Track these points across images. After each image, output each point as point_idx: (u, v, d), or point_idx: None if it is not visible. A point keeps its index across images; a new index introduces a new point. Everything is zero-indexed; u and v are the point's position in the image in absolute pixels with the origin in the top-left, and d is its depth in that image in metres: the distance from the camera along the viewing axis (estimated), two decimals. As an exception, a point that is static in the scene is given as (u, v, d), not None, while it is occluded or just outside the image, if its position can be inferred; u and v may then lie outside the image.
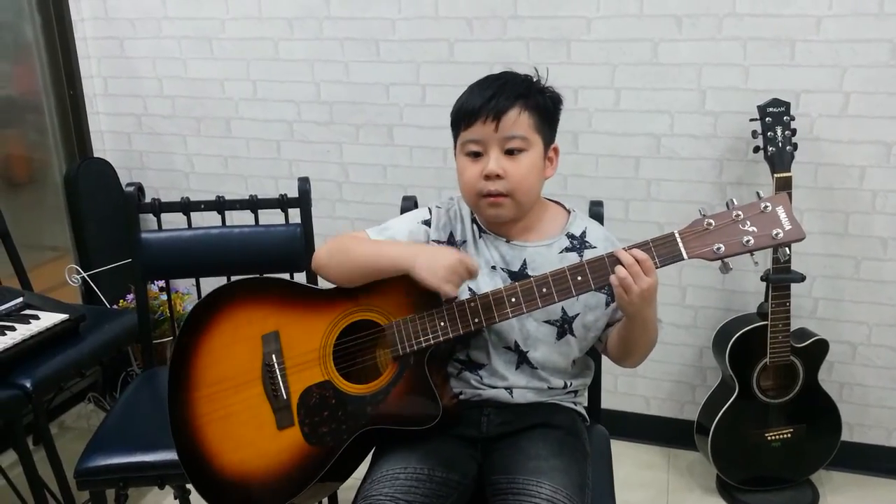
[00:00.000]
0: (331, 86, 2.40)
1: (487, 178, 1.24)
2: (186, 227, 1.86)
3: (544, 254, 1.30)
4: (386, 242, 1.32)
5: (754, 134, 1.94)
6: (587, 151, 2.21)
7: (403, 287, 1.24)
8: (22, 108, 2.58)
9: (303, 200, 1.86)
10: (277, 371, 1.29)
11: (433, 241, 1.33)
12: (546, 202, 1.37)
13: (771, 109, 1.91)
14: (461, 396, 1.33)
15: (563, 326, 1.30)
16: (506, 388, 1.31)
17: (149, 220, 1.91)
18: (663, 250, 1.15)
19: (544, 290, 1.19)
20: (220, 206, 1.87)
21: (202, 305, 1.35)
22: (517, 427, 1.31)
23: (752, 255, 1.17)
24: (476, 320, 1.21)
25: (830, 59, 1.96)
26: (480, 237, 1.33)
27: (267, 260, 1.81)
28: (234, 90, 2.51)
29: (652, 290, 1.15)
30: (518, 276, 1.29)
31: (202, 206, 1.86)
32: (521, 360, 1.30)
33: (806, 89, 2.00)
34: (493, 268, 1.30)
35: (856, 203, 2.05)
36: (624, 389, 2.41)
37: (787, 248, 1.22)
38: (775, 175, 1.91)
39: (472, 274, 1.21)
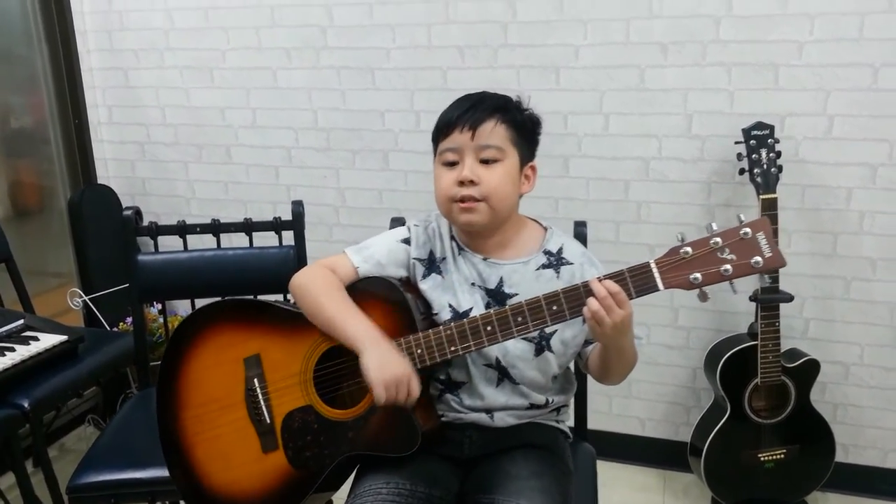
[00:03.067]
0: (328, 113, 2.46)
1: (462, 183, 1.25)
2: (182, 249, 1.91)
3: (521, 271, 1.31)
4: (352, 313, 1.25)
5: (739, 156, 1.98)
6: (577, 175, 2.25)
7: (381, 313, 1.26)
8: (31, 138, 2.66)
9: (296, 223, 1.90)
10: (260, 396, 1.31)
11: (414, 258, 1.34)
12: (523, 219, 1.37)
13: (755, 132, 1.95)
14: (443, 419, 1.34)
15: (541, 343, 1.30)
16: (486, 412, 1.31)
17: (149, 244, 1.95)
18: (639, 281, 1.13)
19: (519, 318, 1.18)
20: (216, 228, 1.91)
21: (185, 325, 1.37)
22: (499, 448, 1.32)
23: (731, 283, 1.13)
24: (453, 349, 1.21)
25: (814, 83, 2.00)
26: (459, 254, 1.34)
27: (260, 281, 1.85)
28: (234, 118, 2.58)
29: (626, 321, 1.13)
30: (495, 293, 1.30)
31: (198, 229, 1.90)
32: (502, 376, 1.31)
33: (791, 112, 2.04)
34: (472, 284, 1.32)
35: (843, 224, 2.07)
36: (618, 411, 2.42)
37: (766, 276, 1.19)
38: (761, 196, 1.94)
39: (411, 399, 1.19)
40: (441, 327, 1.23)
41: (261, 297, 1.48)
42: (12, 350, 1.90)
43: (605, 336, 1.16)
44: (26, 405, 1.83)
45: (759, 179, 1.94)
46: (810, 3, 1.96)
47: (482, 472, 1.29)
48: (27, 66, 2.60)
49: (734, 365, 2.02)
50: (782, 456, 2.07)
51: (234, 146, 2.61)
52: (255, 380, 1.32)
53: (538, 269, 1.31)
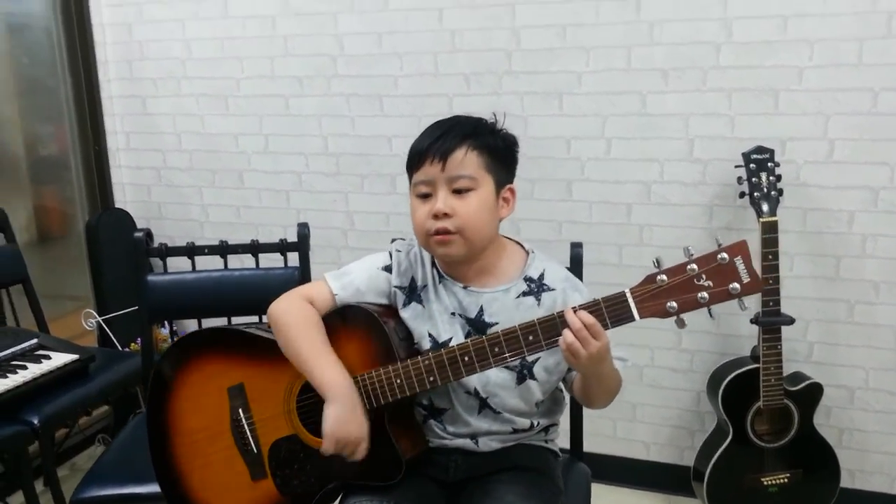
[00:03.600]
0: (337, 139, 2.52)
1: (436, 216, 1.23)
2: (191, 270, 1.96)
3: (501, 299, 1.29)
4: (324, 358, 1.24)
5: (740, 180, 2.00)
6: (580, 198, 2.28)
7: (358, 343, 1.26)
8: (55, 164, 2.76)
9: (301, 244, 1.94)
10: (245, 426, 1.33)
11: (395, 287, 1.33)
12: (505, 242, 1.35)
13: (755, 156, 1.97)
14: (430, 444, 1.34)
15: (523, 372, 1.29)
16: (470, 437, 1.32)
17: (161, 265, 2.01)
18: (614, 311, 1.12)
19: (496, 349, 1.18)
20: (223, 250, 1.96)
21: (170, 353, 1.39)
22: (486, 471, 1.32)
23: (709, 309, 1.11)
24: (431, 379, 1.21)
25: (814, 107, 2.02)
26: (440, 282, 1.32)
27: (265, 301, 1.85)
28: (247, 144, 2.65)
29: (602, 351, 1.13)
30: (475, 322, 1.29)
31: (206, 251, 1.96)
32: (483, 405, 1.30)
33: (791, 137, 2.05)
34: (453, 314, 1.30)
35: (846, 247, 2.08)
36: (623, 434, 2.41)
37: (745, 301, 1.13)
38: (761, 219, 1.95)
39: (352, 458, 1.22)
40: (420, 357, 1.22)
41: (244, 323, 1.48)
42: (25, 368, 1.96)
43: (581, 367, 1.16)
44: (36, 422, 1.87)
45: (759, 203, 1.96)
46: (809, 29, 1.98)
47: (469, 495, 1.29)
48: (52, 95, 2.70)
49: (736, 388, 2.02)
50: (786, 480, 2.05)
51: (246, 171, 2.67)
52: (240, 409, 1.33)
53: (518, 296, 1.30)
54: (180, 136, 2.73)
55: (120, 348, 2.59)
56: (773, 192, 1.96)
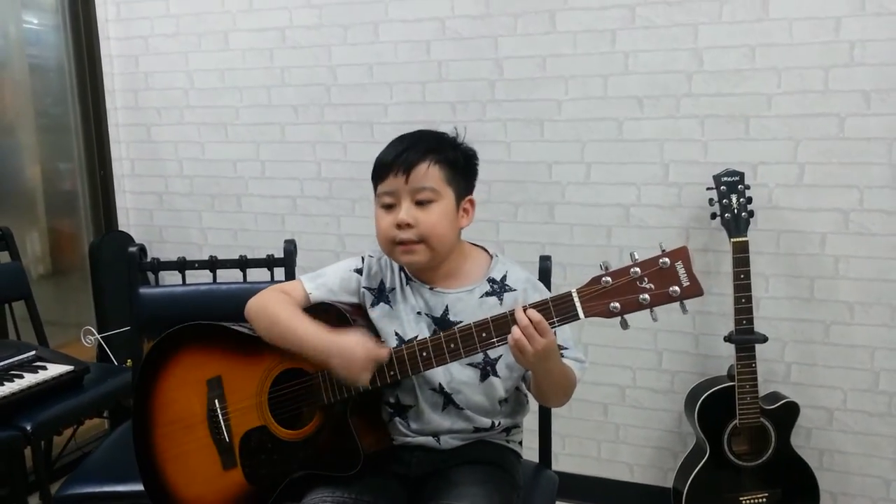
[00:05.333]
0: (330, 164, 2.62)
1: (399, 226, 1.30)
2: (181, 284, 2.04)
3: (465, 299, 1.36)
4: (306, 328, 1.30)
5: (711, 202, 2.06)
6: (562, 221, 2.34)
7: None
8: (69, 198, 2.91)
9: (287, 260, 2.02)
10: (220, 415, 1.40)
11: (364, 287, 1.40)
12: (468, 249, 1.42)
13: (725, 178, 2.03)
14: (394, 442, 1.39)
15: (486, 369, 1.35)
16: (432, 435, 1.37)
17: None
18: (561, 309, 1.19)
19: (452, 345, 1.24)
20: (213, 265, 2.04)
21: (156, 348, 1.47)
22: (446, 466, 1.37)
23: (651, 311, 1.17)
24: (392, 373, 1.27)
25: (784, 132, 2.09)
26: (407, 284, 1.39)
27: (251, 314, 1.96)
28: (245, 170, 2.75)
29: (548, 349, 1.18)
30: (440, 321, 1.36)
31: (196, 265, 2.04)
32: (447, 401, 1.36)
33: (762, 161, 2.12)
34: (419, 313, 1.37)
35: (819, 268, 2.12)
36: (607, 456, 2.43)
37: (686, 304, 1.19)
38: (732, 240, 2.01)
39: (382, 361, 1.26)
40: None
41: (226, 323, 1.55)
42: (21, 377, 2.04)
43: (528, 363, 1.21)
44: (29, 428, 1.94)
45: (729, 223, 2.02)
46: (777, 58, 2.07)
47: (429, 485, 1.35)
48: (62, 122, 2.84)
49: (712, 406, 2.05)
50: (764, 500, 2.06)
51: (244, 196, 2.78)
52: (216, 400, 1.40)
53: (482, 296, 1.37)
54: (182, 162, 2.84)
55: (116, 364, 2.67)
56: (743, 214, 2.02)
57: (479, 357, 1.34)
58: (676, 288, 1.15)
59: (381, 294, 1.40)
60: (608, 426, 2.41)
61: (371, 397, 1.36)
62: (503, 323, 1.22)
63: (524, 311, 1.19)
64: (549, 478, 1.61)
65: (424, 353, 1.26)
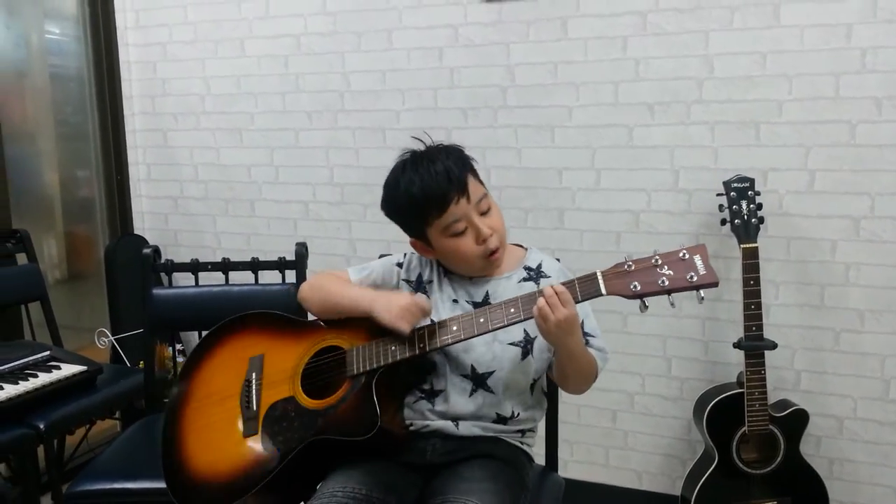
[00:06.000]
0: (343, 170, 2.65)
1: (484, 241, 1.37)
2: (194, 285, 2.06)
3: (504, 285, 1.44)
4: (354, 288, 1.47)
5: (721, 208, 2.06)
6: (572, 227, 2.35)
7: (366, 320, 1.39)
8: (87, 205, 2.96)
9: (298, 263, 2.05)
10: (254, 386, 1.44)
11: (403, 279, 1.49)
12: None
13: (735, 185, 2.04)
14: (411, 427, 1.42)
15: (527, 347, 1.41)
16: (452, 420, 1.40)
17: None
18: (585, 286, 1.27)
19: (481, 319, 1.32)
20: (225, 267, 2.07)
21: (210, 335, 1.55)
22: (460, 457, 1.39)
23: (668, 295, 1.25)
24: (421, 345, 1.34)
25: (794, 139, 2.09)
26: (446, 276, 1.47)
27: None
28: (259, 175, 2.79)
29: (569, 320, 1.24)
30: (481, 306, 1.41)
31: (209, 267, 2.07)
32: (476, 386, 1.40)
33: (773, 167, 2.12)
34: (455, 301, 1.44)
35: (830, 276, 2.11)
36: (616, 463, 2.42)
37: (701, 293, 1.26)
38: (742, 245, 2.01)
39: (425, 312, 1.35)
40: (415, 328, 1.35)
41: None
42: (35, 376, 2.06)
43: (549, 333, 1.26)
44: (42, 426, 1.97)
45: (739, 229, 2.02)
46: (788, 65, 2.07)
47: (441, 478, 1.36)
48: (81, 128, 2.89)
49: (721, 412, 2.04)
50: (773, 508, 2.05)
51: (257, 201, 2.81)
52: (254, 373, 1.46)
53: (520, 281, 1.45)
54: (197, 167, 2.88)
55: (129, 366, 2.70)
56: (753, 220, 2.01)
57: (521, 335, 1.40)
58: (693, 275, 1.22)
59: (420, 285, 1.48)
60: (616, 433, 2.41)
61: (398, 378, 1.40)
62: (530, 299, 1.29)
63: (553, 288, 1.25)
64: (555, 481, 1.62)
65: (455, 327, 1.33)
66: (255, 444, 1.39)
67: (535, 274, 1.46)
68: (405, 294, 1.40)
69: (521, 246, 1.53)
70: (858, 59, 2.00)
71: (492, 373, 1.40)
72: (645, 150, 2.24)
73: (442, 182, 1.33)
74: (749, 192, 2.03)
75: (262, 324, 1.53)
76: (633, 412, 2.38)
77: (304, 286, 1.53)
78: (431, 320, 1.40)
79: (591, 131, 2.29)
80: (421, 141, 1.46)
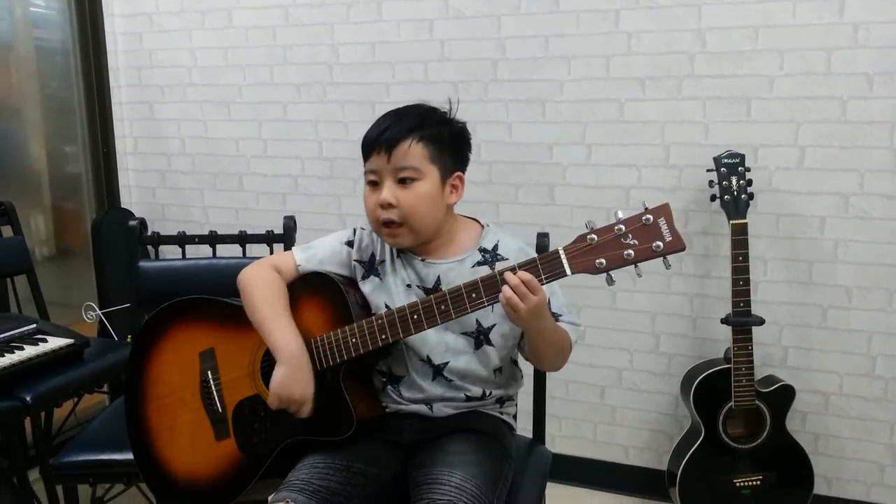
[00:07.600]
0: (332, 144, 2.63)
1: (382, 206, 1.31)
2: (181, 258, 2.05)
3: (457, 269, 1.37)
4: (281, 322, 1.32)
5: (711, 183, 2.05)
6: (562, 203, 2.34)
7: (321, 306, 1.35)
8: (74, 180, 2.92)
9: (286, 236, 2.03)
10: (213, 386, 1.41)
11: (355, 261, 1.42)
12: (460, 220, 1.43)
13: (726, 160, 2.03)
14: (387, 410, 1.41)
15: (479, 337, 1.37)
16: (424, 403, 1.39)
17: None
18: (548, 267, 1.20)
19: (442, 307, 1.25)
20: (213, 239, 2.05)
21: (149, 324, 1.49)
22: (438, 433, 1.38)
23: (635, 266, 1.19)
24: (384, 336, 1.28)
25: (785, 115, 2.08)
26: (398, 257, 1.40)
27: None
28: (247, 148, 2.76)
29: (540, 306, 1.20)
30: (432, 292, 1.35)
31: (196, 240, 2.05)
32: (436, 372, 1.38)
33: (763, 143, 2.11)
34: (409, 286, 1.38)
35: (818, 252, 2.12)
36: (603, 438, 2.44)
37: (668, 259, 1.21)
38: (731, 221, 2.01)
39: (297, 415, 1.30)
40: (373, 317, 1.30)
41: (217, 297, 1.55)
42: (21, 349, 2.05)
43: (521, 321, 1.22)
44: (29, 399, 1.95)
45: (729, 205, 2.01)
46: (780, 40, 2.05)
47: (423, 452, 1.36)
48: (66, 101, 2.85)
49: (708, 387, 2.05)
50: (758, 483, 2.06)
51: (246, 175, 2.78)
52: (209, 372, 1.42)
53: (474, 266, 1.37)
54: (184, 140, 2.85)
55: (117, 340, 2.68)
56: (742, 196, 2.01)
57: (472, 326, 1.36)
58: (659, 243, 1.16)
59: (372, 267, 1.41)
60: (604, 409, 2.42)
61: (363, 365, 1.37)
62: (492, 283, 1.23)
63: (514, 272, 1.20)
64: (542, 453, 1.62)
65: (415, 316, 1.27)
66: (232, 447, 1.39)
67: (490, 257, 1.38)
68: (307, 387, 1.29)
69: (478, 222, 1.44)
70: (851, 34, 1.98)
71: (446, 363, 1.37)
72: (636, 125, 2.23)
73: (379, 133, 1.31)
74: (739, 168, 2.02)
75: (202, 313, 1.46)
76: (620, 388, 2.39)
77: (240, 278, 1.41)
78: (387, 306, 1.36)
79: (582, 106, 2.28)
80: (449, 102, 1.41)
